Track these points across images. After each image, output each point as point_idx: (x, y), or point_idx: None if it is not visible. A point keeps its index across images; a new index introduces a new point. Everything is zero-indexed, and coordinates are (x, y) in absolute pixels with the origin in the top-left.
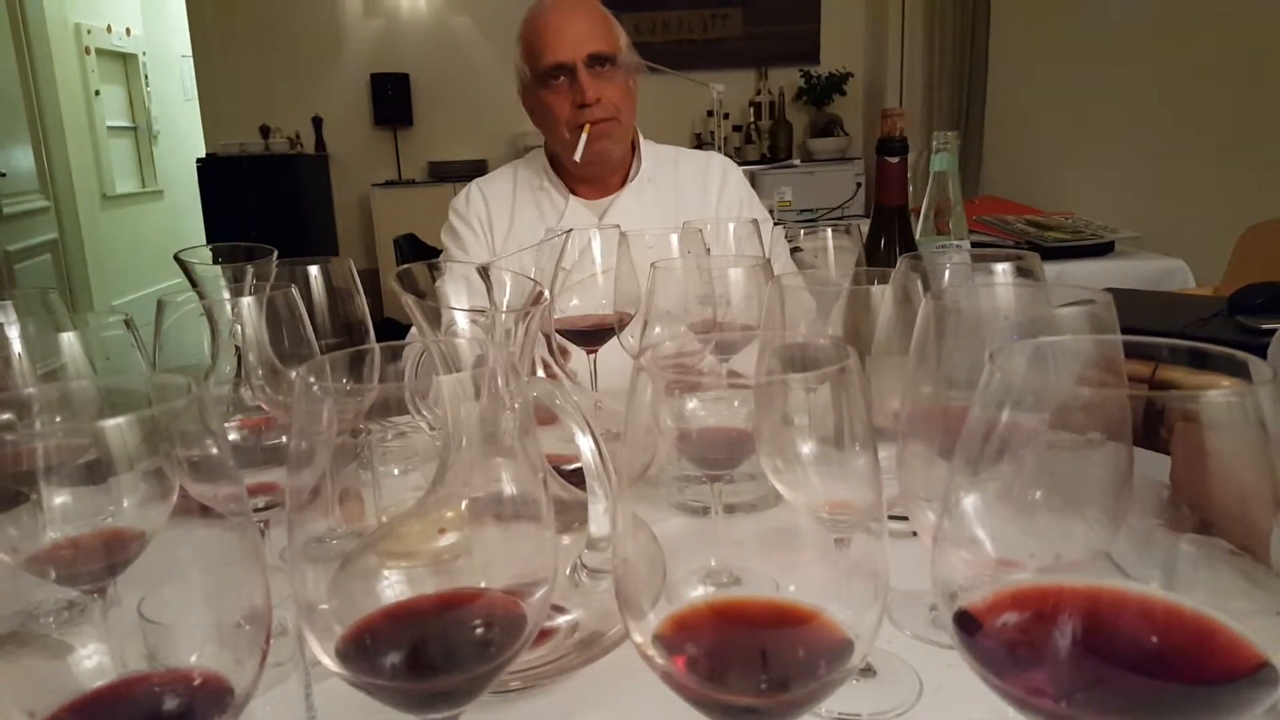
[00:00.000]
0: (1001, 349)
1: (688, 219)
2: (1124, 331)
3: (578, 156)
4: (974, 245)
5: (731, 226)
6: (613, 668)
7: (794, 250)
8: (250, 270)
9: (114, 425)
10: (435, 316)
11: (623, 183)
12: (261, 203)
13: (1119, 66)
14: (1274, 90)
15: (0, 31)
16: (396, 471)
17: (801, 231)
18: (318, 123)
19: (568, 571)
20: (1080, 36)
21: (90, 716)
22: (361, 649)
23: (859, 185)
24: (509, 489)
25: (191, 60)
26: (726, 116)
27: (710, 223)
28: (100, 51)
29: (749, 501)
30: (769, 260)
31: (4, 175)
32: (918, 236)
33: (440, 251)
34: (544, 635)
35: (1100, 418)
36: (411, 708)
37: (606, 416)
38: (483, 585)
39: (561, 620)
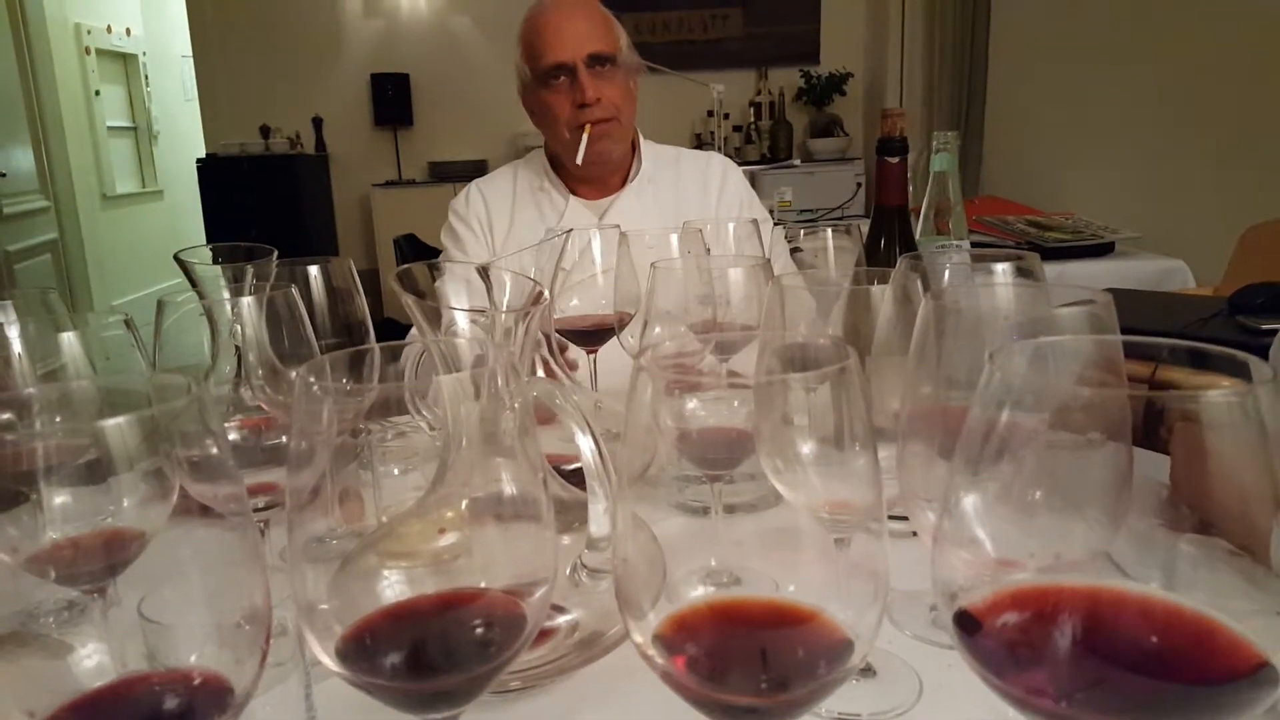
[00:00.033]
0: (1001, 349)
1: (688, 219)
2: (1124, 332)
3: (579, 159)
4: (974, 245)
5: (731, 227)
6: (613, 668)
7: (794, 250)
8: (250, 270)
9: (114, 425)
10: (435, 316)
11: (623, 183)
12: (261, 203)
13: (1119, 66)
14: (1274, 90)
15: (0, 31)
16: (396, 471)
17: (801, 232)
18: (318, 123)
19: (568, 571)
20: (1080, 36)
21: (90, 716)
22: (361, 649)
23: (859, 185)
24: (509, 489)
25: (191, 60)
26: (726, 117)
27: (710, 223)
28: (100, 51)
29: (749, 501)
30: (769, 260)
31: (4, 175)
32: (918, 236)
33: (440, 252)
34: (544, 635)
35: (1100, 418)
36: (411, 708)
37: (606, 416)
38: (483, 585)
39: (561, 620)
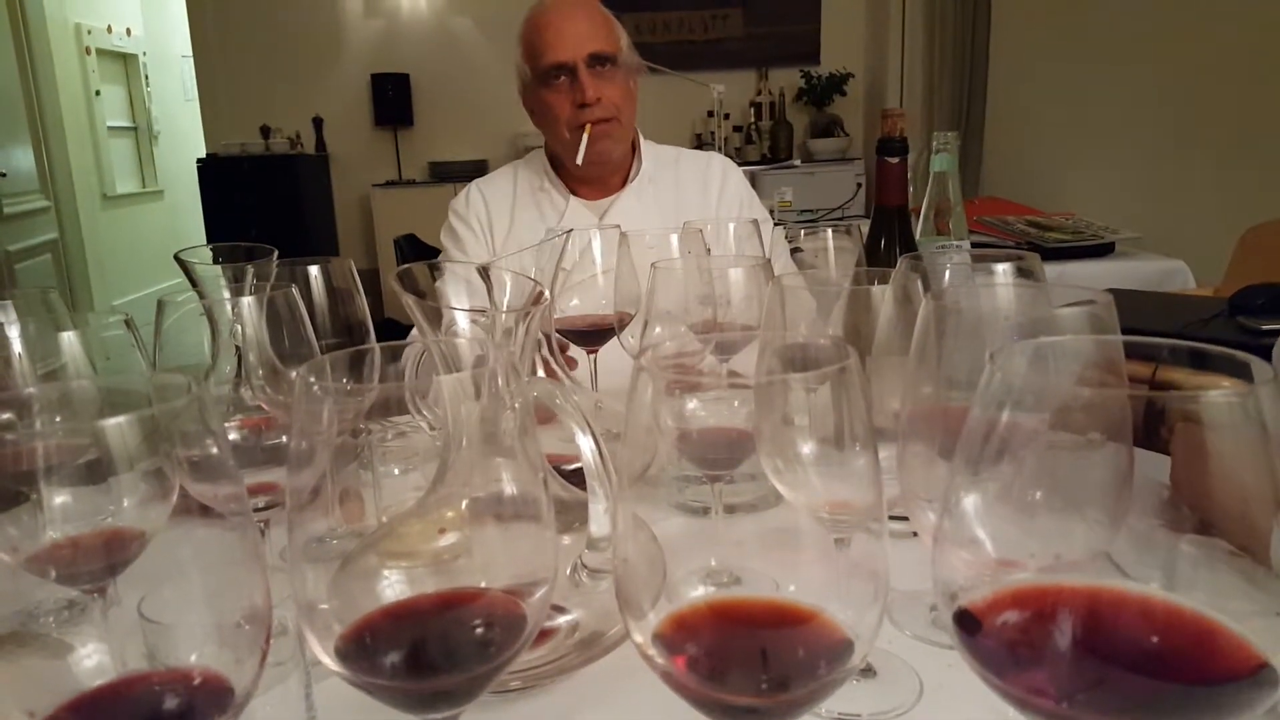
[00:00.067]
0: (1002, 349)
1: (688, 219)
2: (1124, 332)
3: (579, 159)
4: (974, 245)
5: (732, 227)
6: (613, 668)
7: (794, 250)
8: (250, 270)
9: (114, 425)
10: (435, 316)
11: (623, 183)
12: (262, 203)
13: (1119, 66)
14: (1274, 90)
15: (0, 31)
16: (396, 471)
17: (802, 232)
18: (318, 123)
19: (568, 571)
20: (1080, 36)
21: (90, 716)
22: (361, 648)
23: (859, 185)
24: (509, 489)
25: (192, 60)
26: (727, 117)
27: (710, 223)
28: (100, 51)
29: (749, 501)
30: (769, 260)
31: (4, 175)
32: (918, 237)
33: (440, 252)
34: (544, 635)
35: (1100, 418)
36: (411, 707)
37: (606, 416)
38: (483, 585)
39: (561, 620)
